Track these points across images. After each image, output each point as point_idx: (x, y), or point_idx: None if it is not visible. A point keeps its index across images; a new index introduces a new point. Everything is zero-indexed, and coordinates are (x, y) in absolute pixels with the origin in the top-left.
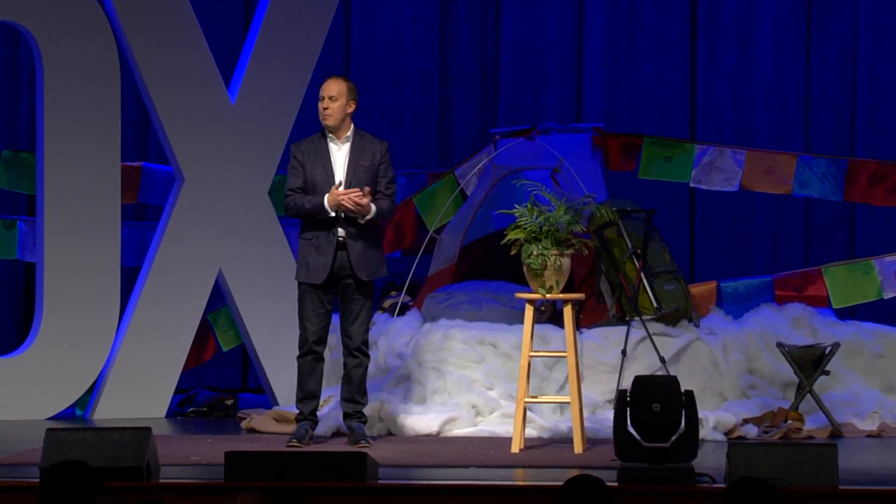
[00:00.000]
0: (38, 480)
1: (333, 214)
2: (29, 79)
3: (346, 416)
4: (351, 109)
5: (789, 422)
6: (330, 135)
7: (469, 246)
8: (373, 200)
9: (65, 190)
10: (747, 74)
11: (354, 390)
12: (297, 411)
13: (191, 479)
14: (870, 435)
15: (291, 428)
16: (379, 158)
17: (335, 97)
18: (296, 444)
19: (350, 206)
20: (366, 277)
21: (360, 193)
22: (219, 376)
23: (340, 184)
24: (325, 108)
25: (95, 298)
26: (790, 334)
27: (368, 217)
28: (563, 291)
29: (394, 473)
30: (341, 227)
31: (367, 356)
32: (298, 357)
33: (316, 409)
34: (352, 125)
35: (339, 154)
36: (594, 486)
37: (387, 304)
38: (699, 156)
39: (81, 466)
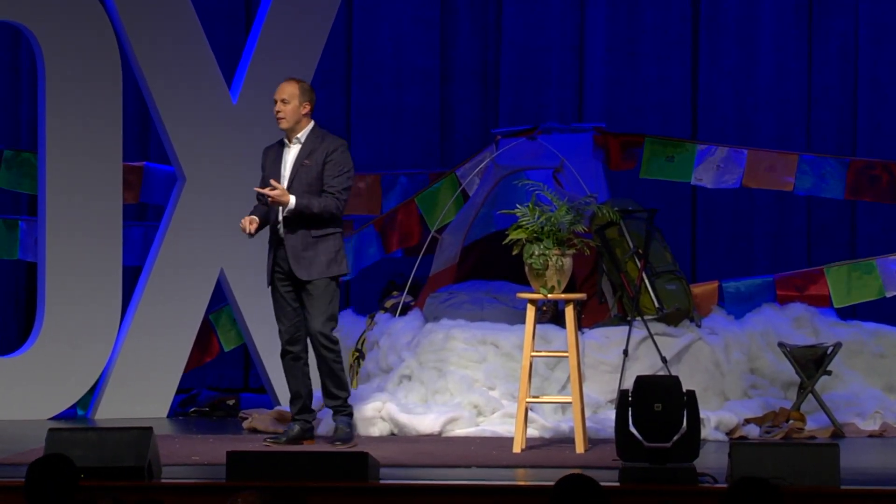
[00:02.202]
0: None
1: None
2: (30, 79)
3: (333, 412)
4: (305, 111)
5: (791, 422)
6: (286, 138)
7: (471, 246)
8: (315, 196)
9: (66, 190)
10: (748, 74)
11: (329, 385)
12: None
13: (192, 479)
14: (871, 435)
15: None
16: (325, 157)
17: (287, 100)
18: (270, 444)
19: (249, 230)
20: (305, 277)
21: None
22: (220, 376)
23: (272, 187)
24: (278, 112)
25: (97, 298)
26: (792, 334)
27: (290, 208)
28: (564, 291)
29: (395, 473)
30: (280, 226)
31: (331, 350)
32: (280, 358)
33: (303, 409)
34: (310, 125)
35: (290, 154)
36: (587, 485)
37: (388, 304)
38: (700, 155)
39: (62, 460)
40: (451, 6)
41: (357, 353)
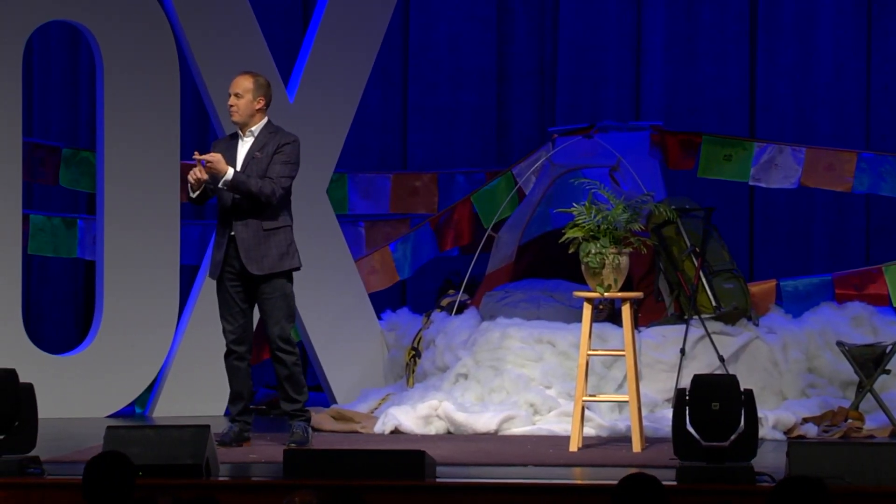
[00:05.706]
0: None
1: (194, 195)
2: (88, 77)
3: (289, 416)
4: (259, 105)
5: (849, 421)
6: (239, 131)
7: (527, 244)
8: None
9: (124, 188)
10: (806, 72)
11: (289, 389)
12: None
13: (250, 478)
14: None
15: (350, 426)
16: (276, 148)
17: (241, 94)
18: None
19: (196, 176)
20: (257, 272)
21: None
22: None
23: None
24: (231, 105)
25: (155, 297)
26: (850, 333)
27: (227, 179)
28: (621, 290)
29: (452, 472)
30: (231, 219)
31: (290, 352)
32: (224, 358)
33: (245, 410)
34: (263, 120)
35: (243, 148)
36: (650, 485)
37: (445, 302)
38: (758, 154)
39: (119, 458)
40: (508, 5)
41: (413, 352)
